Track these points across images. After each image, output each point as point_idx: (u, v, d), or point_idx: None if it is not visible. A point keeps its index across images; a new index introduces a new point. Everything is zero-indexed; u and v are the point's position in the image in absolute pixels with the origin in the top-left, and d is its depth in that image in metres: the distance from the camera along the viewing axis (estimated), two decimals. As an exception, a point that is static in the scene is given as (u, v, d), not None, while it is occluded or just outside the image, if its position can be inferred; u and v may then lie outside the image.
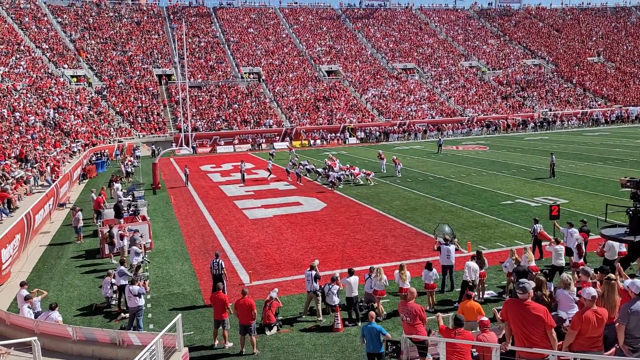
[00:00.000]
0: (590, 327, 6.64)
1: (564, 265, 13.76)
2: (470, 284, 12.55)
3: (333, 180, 29.48)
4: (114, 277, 13.69)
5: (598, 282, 8.82)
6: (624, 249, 14.67)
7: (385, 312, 12.54)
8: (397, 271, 12.84)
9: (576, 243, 14.31)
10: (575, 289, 8.45)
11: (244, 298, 11.21)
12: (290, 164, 33.86)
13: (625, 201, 16.51)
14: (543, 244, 15.61)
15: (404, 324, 9.35)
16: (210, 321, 11.95)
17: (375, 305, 12.56)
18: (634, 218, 12.50)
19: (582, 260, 14.03)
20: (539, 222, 15.90)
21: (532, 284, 7.57)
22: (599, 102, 71.48)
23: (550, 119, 63.74)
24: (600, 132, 56.30)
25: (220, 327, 11.45)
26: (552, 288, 9.87)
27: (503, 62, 79.44)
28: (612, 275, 8.00)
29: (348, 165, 33.29)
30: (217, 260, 13.79)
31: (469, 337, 8.16)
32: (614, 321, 7.07)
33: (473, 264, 12.86)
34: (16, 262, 17.34)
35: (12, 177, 24.16)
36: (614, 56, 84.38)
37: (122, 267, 13.58)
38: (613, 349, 7.08)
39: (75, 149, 40.05)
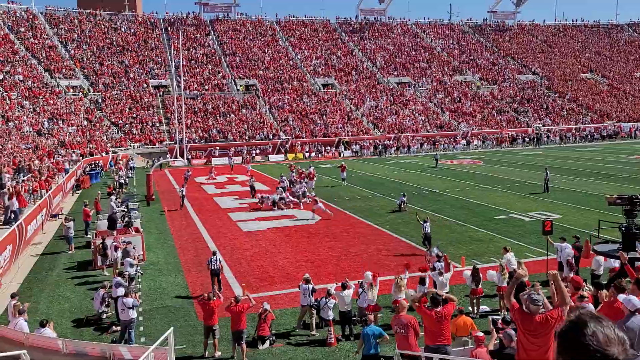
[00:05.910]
0: None
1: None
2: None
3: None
4: (108, 288, 13.58)
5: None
6: (617, 264, 14.72)
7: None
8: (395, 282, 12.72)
9: (567, 258, 14.44)
10: None
11: (237, 304, 11.30)
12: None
13: (619, 217, 16.58)
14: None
15: (398, 335, 9.30)
16: (203, 335, 11.86)
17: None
18: (626, 234, 12.57)
19: (572, 275, 14.05)
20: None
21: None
22: (593, 118, 72.06)
23: (544, 134, 64.19)
24: (593, 148, 56.69)
25: (211, 336, 11.47)
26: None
27: (498, 77, 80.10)
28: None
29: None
30: (215, 257, 14.95)
31: (451, 310, 8.89)
32: None
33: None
34: (7, 273, 17.18)
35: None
36: (606, 73, 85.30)
37: (119, 278, 13.46)
38: None
39: (70, 159, 39.88)
